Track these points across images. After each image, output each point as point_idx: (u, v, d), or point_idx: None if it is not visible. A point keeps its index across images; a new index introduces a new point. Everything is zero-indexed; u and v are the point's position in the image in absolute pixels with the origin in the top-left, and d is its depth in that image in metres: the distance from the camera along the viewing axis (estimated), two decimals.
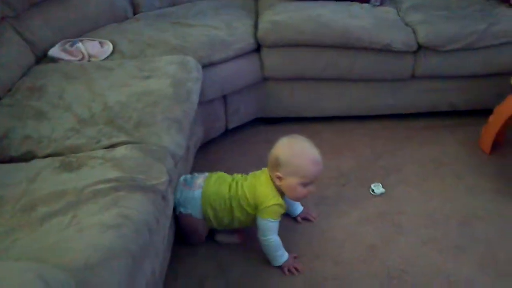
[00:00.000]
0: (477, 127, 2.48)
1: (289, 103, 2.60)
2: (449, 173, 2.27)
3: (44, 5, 2.28)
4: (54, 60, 2.18)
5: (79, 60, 2.17)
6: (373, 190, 2.15)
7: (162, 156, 1.58)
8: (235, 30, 2.39)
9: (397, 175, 2.26)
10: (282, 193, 1.72)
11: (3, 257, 1.13)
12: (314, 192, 1.72)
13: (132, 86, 1.89)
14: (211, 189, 1.76)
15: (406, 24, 2.49)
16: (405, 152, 2.44)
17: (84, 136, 1.63)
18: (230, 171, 1.86)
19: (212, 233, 1.90)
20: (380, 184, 2.17)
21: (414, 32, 2.43)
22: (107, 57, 2.19)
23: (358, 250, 1.86)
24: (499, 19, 2.43)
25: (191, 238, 1.86)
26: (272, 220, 1.70)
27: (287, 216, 1.98)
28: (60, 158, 1.52)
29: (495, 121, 2.31)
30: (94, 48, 2.22)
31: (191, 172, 1.91)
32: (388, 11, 2.61)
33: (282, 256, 1.75)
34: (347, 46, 2.40)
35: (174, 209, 1.75)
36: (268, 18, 2.43)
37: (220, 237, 1.90)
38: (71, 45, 2.22)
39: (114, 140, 1.60)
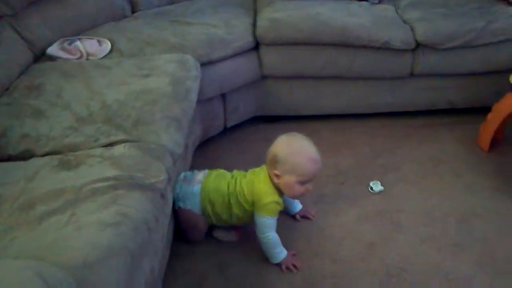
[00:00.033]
0: (475, 125, 2.48)
1: (288, 101, 2.60)
2: (447, 171, 2.27)
3: (42, 4, 2.28)
4: (52, 58, 2.18)
5: (78, 59, 2.17)
6: (371, 188, 2.15)
7: (160, 155, 1.58)
8: (233, 28, 2.39)
9: (395, 173, 2.26)
10: (280, 191, 1.72)
11: (2, 256, 1.13)
12: (312, 190, 1.72)
13: (130, 84, 1.89)
14: (211, 185, 1.77)
15: (405, 22, 2.49)
16: (403, 150, 2.44)
17: (82, 134, 1.63)
18: (228, 169, 1.86)
19: (211, 230, 1.90)
20: (379, 182, 2.17)
21: (412, 29, 2.43)
22: (106, 56, 2.19)
23: (357, 248, 1.86)
24: (498, 17, 2.43)
25: (190, 235, 1.86)
26: (270, 218, 1.70)
27: (286, 214, 1.98)
28: (58, 156, 1.52)
29: (494, 119, 2.31)
30: (93, 46, 2.22)
31: (191, 170, 1.91)
32: (386, 9, 2.61)
33: (280, 253, 1.75)
34: (346, 44, 2.40)
35: (174, 205, 1.76)
36: (266, 16, 2.43)
37: (217, 234, 1.90)
38: (70, 44, 2.22)
39: (113, 138, 1.60)
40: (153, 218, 1.37)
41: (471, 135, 2.50)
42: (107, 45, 2.24)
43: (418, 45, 2.43)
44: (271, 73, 2.49)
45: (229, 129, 2.57)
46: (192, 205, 1.76)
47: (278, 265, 1.77)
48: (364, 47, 2.41)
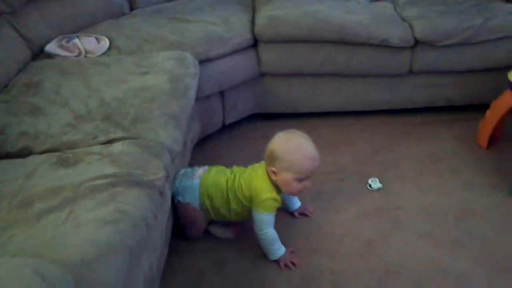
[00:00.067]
0: (474, 122, 2.49)
1: (286, 98, 2.60)
2: (446, 168, 2.28)
3: (40, 1, 2.28)
4: (50, 56, 2.18)
5: (76, 56, 2.17)
6: (370, 185, 2.16)
7: (159, 152, 1.58)
8: (232, 26, 2.39)
9: (394, 170, 2.27)
10: (278, 187, 1.72)
11: (0, 253, 1.13)
12: (310, 187, 1.72)
13: (129, 82, 1.88)
14: (210, 180, 1.77)
15: (403, 19, 2.49)
16: (402, 148, 2.44)
17: (81, 132, 1.63)
18: (227, 167, 1.86)
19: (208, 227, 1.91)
20: (377, 179, 2.18)
21: (411, 27, 2.43)
22: (104, 53, 2.19)
23: (355, 245, 1.86)
24: (495, 14, 2.43)
25: (189, 231, 1.87)
26: (267, 214, 1.70)
27: (285, 211, 1.99)
28: (56, 154, 1.52)
29: (492, 116, 2.31)
30: (91, 44, 2.22)
31: (191, 167, 1.92)
32: (385, 6, 2.62)
33: (278, 250, 1.76)
34: (344, 41, 2.40)
35: (173, 199, 1.77)
36: (265, 14, 2.43)
37: (214, 230, 1.91)
38: (68, 41, 2.22)
39: (111, 136, 1.60)
40: (152, 215, 1.37)
41: (469, 132, 2.51)
42: (106, 43, 2.23)
43: (417, 42, 2.43)
44: (269, 71, 2.49)
45: (228, 127, 2.57)
46: (191, 199, 1.77)
47: (276, 262, 1.77)
48: (363, 44, 2.41)
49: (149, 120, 1.69)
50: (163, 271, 1.63)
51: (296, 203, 2.00)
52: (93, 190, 1.32)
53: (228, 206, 1.77)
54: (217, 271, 1.76)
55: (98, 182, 1.35)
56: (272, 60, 2.45)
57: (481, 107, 2.43)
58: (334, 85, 2.58)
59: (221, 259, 1.81)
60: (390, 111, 2.69)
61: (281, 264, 1.76)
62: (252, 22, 2.47)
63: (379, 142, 2.49)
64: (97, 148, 1.54)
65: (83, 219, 1.23)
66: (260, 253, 1.79)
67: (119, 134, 1.61)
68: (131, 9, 2.68)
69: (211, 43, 2.26)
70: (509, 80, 2.18)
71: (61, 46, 2.20)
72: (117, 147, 1.54)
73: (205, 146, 2.44)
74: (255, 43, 2.44)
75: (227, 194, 1.75)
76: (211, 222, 1.89)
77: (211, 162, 1.91)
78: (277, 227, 1.74)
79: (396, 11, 2.59)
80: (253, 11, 2.61)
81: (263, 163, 1.75)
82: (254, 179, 1.72)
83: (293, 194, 1.85)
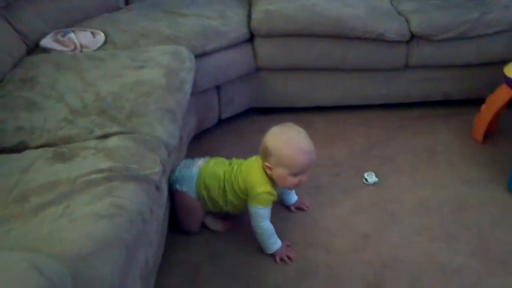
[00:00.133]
0: (470, 116, 2.49)
1: (282, 93, 2.60)
2: (442, 162, 2.28)
3: None
4: (46, 50, 2.17)
5: (71, 51, 2.16)
6: (366, 179, 2.16)
7: (155, 146, 1.57)
8: (228, 20, 2.39)
9: (390, 165, 2.27)
10: (274, 181, 1.72)
11: None
12: (306, 181, 1.72)
13: (125, 76, 1.88)
14: (208, 171, 1.78)
15: (399, 13, 2.49)
16: (398, 142, 2.44)
17: (76, 126, 1.62)
18: None
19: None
20: (373, 173, 2.18)
21: (407, 21, 2.43)
22: (100, 48, 2.18)
23: (351, 239, 1.87)
24: (492, 8, 2.43)
25: (186, 223, 1.87)
26: (263, 208, 1.70)
27: (281, 205, 1.99)
28: (52, 148, 1.52)
29: (488, 111, 2.32)
30: (86, 38, 2.21)
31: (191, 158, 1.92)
32: (381, 0, 2.61)
33: (274, 243, 1.76)
34: (340, 35, 2.40)
35: (170, 193, 1.78)
36: (261, 8, 2.43)
37: (207, 221, 1.91)
38: (63, 36, 2.21)
39: (107, 130, 1.60)
40: (148, 209, 1.37)
41: (465, 126, 2.51)
42: (101, 37, 2.23)
43: (413, 36, 2.43)
44: (265, 65, 2.48)
45: (224, 121, 2.57)
46: (188, 188, 1.78)
47: (272, 255, 1.77)
48: (359, 38, 2.41)
49: (145, 114, 1.69)
50: (160, 265, 1.63)
51: (293, 198, 2.00)
52: (89, 185, 1.32)
53: (225, 197, 1.77)
54: (213, 265, 1.77)
55: (94, 176, 1.35)
56: (268, 54, 2.45)
57: (477, 102, 2.44)
58: (330, 79, 2.58)
59: (217, 253, 1.81)
60: (386, 106, 2.70)
61: (277, 258, 1.76)
62: (249, 16, 2.47)
63: (375, 136, 2.50)
64: (93, 143, 1.54)
65: (79, 214, 1.22)
66: (256, 246, 1.79)
67: (115, 128, 1.61)
68: (127, 3, 2.67)
69: (207, 37, 2.26)
70: (505, 75, 2.18)
71: (57, 41, 2.19)
72: (113, 141, 1.54)
73: (202, 141, 2.44)
74: (251, 38, 2.44)
75: (224, 186, 1.75)
76: (207, 214, 1.89)
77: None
78: (273, 221, 1.74)
79: (392, 5, 2.59)
80: (250, 5, 2.61)
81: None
82: (250, 173, 1.72)
83: (289, 188, 1.86)
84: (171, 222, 1.83)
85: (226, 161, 1.84)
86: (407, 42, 2.45)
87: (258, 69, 2.51)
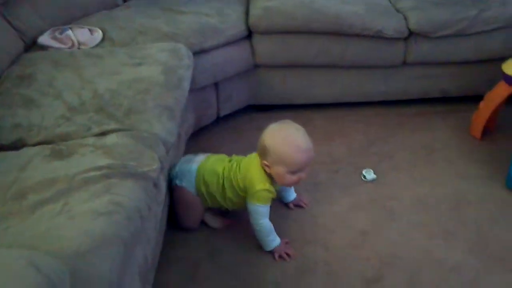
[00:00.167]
0: (468, 113, 2.50)
1: (281, 90, 2.60)
2: (440, 159, 2.29)
3: None
4: (43, 47, 2.16)
5: (69, 48, 2.15)
6: (364, 176, 2.16)
7: (153, 143, 1.57)
8: (226, 17, 2.38)
9: (389, 162, 2.27)
10: (273, 179, 1.72)
11: None
12: (305, 178, 1.71)
13: (122, 73, 1.87)
14: (207, 167, 1.78)
15: (397, 10, 2.49)
16: (397, 139, 2.45)
17: (74, 123, 1.62)
18: None
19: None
20: (372, 170, 2.18)
21: (405, 18, 2.43)
22: (97, 45, 2.17)
23: (350, 236, 1.87)
24: (490, 5, 2.43)
25: (185, 220, 1.87)
26: (262, 205, 1.70)
27: (280, 203, 1.99)
28: (50, 146, 1.51)
29: (486, 107, 2.32)
30: (84, 35, 2.20)
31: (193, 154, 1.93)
32: None
33: (273, 241, 1.76)
34: (339, 32, 2.40)
35: (170, 184, 1.79)
36: (259, 5, 2.42)
37: (206, 218, 1.91)
38: (61, 33, 2.20)
39: (105, 127, 1.60)
40: (146, 206, 1.37)
41: (464, 123, 2.52)
42: (99, 34, 2.22)
43: (411, 33, 2.43)
44: (264, 62, 2.48)
45: (222, 118, 2.57)
46: (187, 183, 1.78)
47: (271, 252, 1.77)
48: (357, 35, 2.40)
49: (143, 111, 1.68)
50: (159, 262, 1.63)
51: (292, 195, 2.00)
52: (87, 182, 1.32)
53: (224, 194, 1.77)
54: (212, 262, 1.77)
55: (92, 174, 1.35)
56: (266, 51, 2.44)
57: (476, 99, 2.44)
58: (329, 76, 2.58)
59: (216, 250, 1.82)
60: (384, 103, 2.70)
61: (276, 255, 1.76)
62: (247, 13, 2.46)
63: (373, 133, 2.50)
64: (91, 140, 1.53)
65: (78, 211, 1.22)
66: (255, 244, 1.79)
67: (113, 125, 1.61)
68: (125, 0, 2.66)
69: (205, 35, 2.25)
70: (503, 72, 2.18)
71: (54, 38, 2.19)
72: (111, 138, 1.53)
73: (200, 138, 2.44)
74: (249, 35, 2.43)
75: (223, 183, 1.75)
76: (206, 210, 1.89)
77: None
78: (272, 218, 1.74)
79: (390, 2, 2.59)
80: (248, 2, 2.60)
81: None
82: (249, 170, 1.72)
83: (289, 185, 1.86)
84: (170, 219, 1.84)
85: (226, 158, 1.84)
86: (405, 39, 2.45)
87: (256, 66, 2.50)
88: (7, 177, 1.36)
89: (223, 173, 1.76)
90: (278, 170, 1.66)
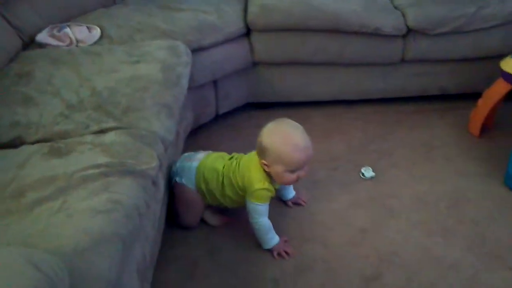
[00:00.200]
0: (466, 110, 2.50)
1: (279, 87, 2.60)
2: (439, 157, 2.29)
3: None
4: (41, 45, 2.16)
5: (67, 46, 2.15)
6: (363, 174, 2.16)
7: (152, 141, 1.57)
8: (224, 14, 2.38)
9: (388, 159, 2.27)
10: (272, 177, 1.71)
11: None
12: (305, 176, 1.71)
13: (121, 71, 1.87)
14: (208, 164, 1.78)
15: (396, 8, 2.49)
16: (395, 136, 2.45)
17: (72, 121, 1.61)
18: None
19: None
20: (370, 168, 2.18)
21: (403, 15, 2.43)
22: (95, 42, 2.17)
23: (349, 233, 1.87)
24: (488, 2, 2.43)
25: (185, 217, 1.86)
26: (260, 204, 1.70)
27: (278, 200, 1.99)
28: (48, 144, 1.51)
29: (484, 105, 2.32)
30: (82, 33, 2.20)
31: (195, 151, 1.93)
32: None
33: (272, 239, 1.76)
34: (337, 30, 2.40)
35: (170, 181, 1.79)
36: (257, 2, 2.42)
37: (206, 215, 1.91)
38: (59, 31, 2.20)
39: (103, 125, 1.59)
40: (145, 204, 1.37)
41: (462, 121, 2.52)
42: (97, 32, 2.22)
43: (409, 30, 2.43)
44: (262, 60, 2.48)
45: (221, 116, 2.57)
46: (188, 180, 1.78)
47: (270, 250, 1.77)
48: (355, 33, 2.40)
49: (142, 109, 1.68)
50: (157, 261, 1.63)
51: (291, 193, 2.00)
52: (86, 180, 1.32)
53: (223, 192, 1.77)
54: (211, 260, 1.77)
55: (91, 171, 1.34)
56: (265, 49, 2.44)
57: (474, 96, 2.44)
58: (327, 74, 2.58)
59: (216, 248, 1.81)
60: (383, 100, 2.70)
61: (275, 253, 1.76)
62: (245, 10, 2.46)
63: (372, 130, 2.50)
64: (89, 138, 1.53)
65: (76, 209, 1.22)
66: (254, 242, 1.79)
67: (111, 123, 1.60)
68: None
69: (203, 32, 2.25)
70: (501, 69, 2.18)
71: (52, 36, 2.18)
72: (109, 136, 1.53)
73: (199, 136, 2.44)
74: (248, 32, 2.43)
75: (222, 180, 1.75)
76: (206, 208, 1.89)
77: None
78: (270, 216, 1.74)
79: None
80: None
81: None
82: (248, 168, 1.71)
83: (288, 184, 1.86)
84: (170, 218, 1.83)
85: (227, 156, 1.84)
86: (404, 36, 2.45)
87: (254, 64, 2.50)
88: (6, 175, 1.36)
89: (223, 170, 1.76)
90: (277, 169, 1.65)
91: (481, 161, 2.25)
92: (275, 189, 1.75)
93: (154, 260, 1.59)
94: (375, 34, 2.40)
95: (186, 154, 1.88)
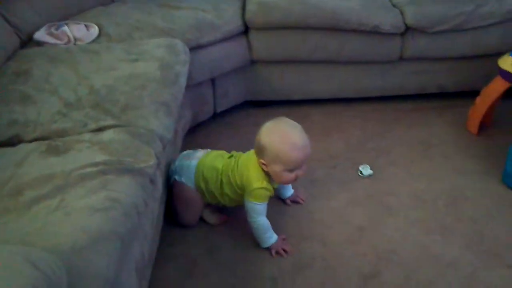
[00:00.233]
0: (465, 108, 2.50)
1: (278, 86, 2.60)
2: (437, 155, 2.29)
3: None
4: (39, 43, 2.15)
5: (65, 44, 2.15)
6: (361, 172, 2.16)
7: (150, 139, 1.57)
8: (223, 12, 2.38)
9: (386, 157, 2.27)
10: (270, 176, 1.71)
11: None
12: (302, 175, 1.71)
13: (119, 69, 1.87)
14: (207, 162, 1.78)
15: (394, 6, 2.49)
16: (394, 134, 2.45)
17: (71, 119, 1.61)
18: None
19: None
20: (368, 166, 2.18)
21: (402, 13, 2.43)
22: (93, 40, 2.17)
23: (347, 231, 1.87)
24: (486, 1, 2.43)
25: (184, 216, 1.86)
26: (258, 203, 1.70)
27: (277, 199, 1.99)
28: (46, 142, 1.51)
29: (482, 103, 2.32)
30: (80, 31, 2.20)
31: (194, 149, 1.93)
32: None
33: (270, 238, 1.76)
34: (336, 28, 2.40)
35: (169, 179, 1.79)
36: (256, 0, 2.41)
37: (204, 214, 1.91)
38: (57, 29, 2.19)
39: (101, 123, 1.59)
40: (143, 202, 1.37)
41: (460, 118, 2.52)
42: (95, 30, 2.21)
43: (408, 28, 2.43)
44: (260, 58, 2.48)
45: (219, 114, 2.57)
46: (186, 179, 1.78)
47: (268, 249, 1.77)
48: (354, 31, 2.40)
49: (140, 107, 1.68)
50: (156, 259, 1.63)
51: (289, 191, 2.00)
52: (84, 178, 1.32)
53: (222, 190, 1.76)
54: (210, 259, 1.77)
55: (89, 170, 1.34)
56: (263, 47, 2.44)
57: (472, 94, 2.44)
58: (326, 72, 2.58)
59: (214, 246, 1.81)
60: (381, 98, 2.70)
61: (273, 251, 1.76)
62: (243, 8, 2.46)
63: (371, 128, 2.50)
64: (87, 136, 1.53)
65: (74, 207, 1.22)
66: (253, 240, 1.79)
67: (109, 121, 1.60)
68: None
69: (202, 30, 2.25)
70: (500, 67, 2.18)
71: (50, 34, 2.18)
72: (107, 134, 1.53)
73: (197, 134, 2.43)
74: (246, 30, 2.43)
75: (221, 178, 1.75)
76: (205, 207, 1.89)
77: None
78: (269, 214, 1.74)
79: None
80: None
81: None
82: (246, 167, 1.71)
83: (286, 183, 1.86)
84: (169, 216, 1.83)
85: (226, 154, 1.83)
86: (402, 34, 2.45)
87: (253, 62, 2.50)
88: (4, 173, 1.36)
89: (222, 169, 1.75)
90: (275, 169, 1.65)
91: (479, 159, 2.25)
92: (273, 188, 1.74)
93: (153, 258, 1.59)
94: (374, 32, 2.40)
95: (185, 152, 1.88)
